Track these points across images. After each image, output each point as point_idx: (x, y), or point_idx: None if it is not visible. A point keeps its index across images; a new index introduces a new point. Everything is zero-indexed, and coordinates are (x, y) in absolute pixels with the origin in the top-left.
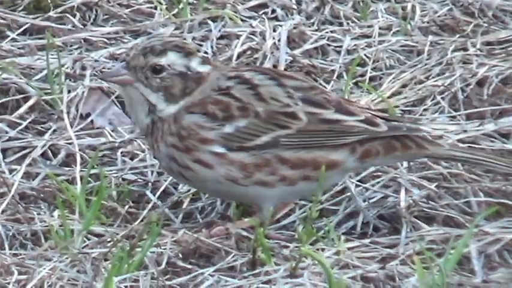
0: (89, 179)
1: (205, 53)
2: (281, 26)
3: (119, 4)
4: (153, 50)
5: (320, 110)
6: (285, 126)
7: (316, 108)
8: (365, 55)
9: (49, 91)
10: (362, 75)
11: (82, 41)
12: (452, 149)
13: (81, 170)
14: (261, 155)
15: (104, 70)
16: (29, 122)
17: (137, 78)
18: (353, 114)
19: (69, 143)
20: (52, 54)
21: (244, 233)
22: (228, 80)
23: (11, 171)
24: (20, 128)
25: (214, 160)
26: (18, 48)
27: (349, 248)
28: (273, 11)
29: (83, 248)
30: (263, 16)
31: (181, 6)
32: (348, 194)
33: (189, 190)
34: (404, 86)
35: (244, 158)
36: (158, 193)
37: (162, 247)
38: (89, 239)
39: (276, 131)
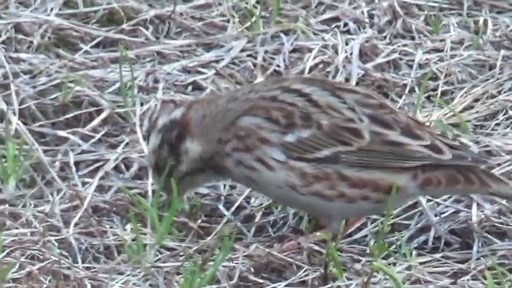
0: (161, 192)
1: (278, 66)
2: (353, 39)
3: (191, 17)
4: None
5: (385, 131)
6: (347, 142)
7: (383, 128)
8: (437, 69)
9: (122, 104)
10: (434, 90)
11: (155, 53)
12: None
13: (154, 184)
14: (322, 167)
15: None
16: (102, 135)
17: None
18: (419, 138)
19: (142, 156)
20: (125, 67)
21: (316, 248)
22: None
23: (84, 184)
24: (93, 141)
25: (275, 163)
26: (91, 60)
27: (420, 263)
28: (345, 25)
29: (155, 262)
30: (335, 29)
31: (253, 19)
32: (420, 208)
33: (261, 204)
34: (476, 100)
35: (304, 167)
36: (231, 207)
37: (234, 261)
38: (161, 253)
39: (337, 146)
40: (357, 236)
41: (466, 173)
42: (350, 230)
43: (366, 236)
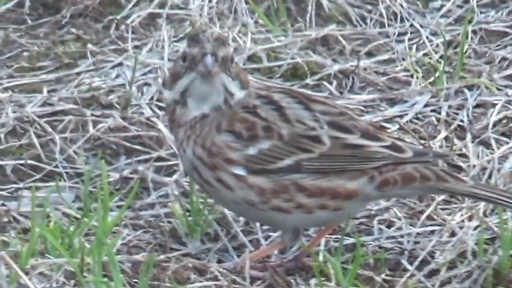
0: (343, 248)
1: (461, 121)
2: None
3: (375, 72)
4: (223, 40)
5: (345, 135)
6: (308, 149)
7: (342, 132)
8: None
9: None
10: None
11: None
12: (475, 186)
13: (335, 240)
14: (280, 180)
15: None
16: None
17: (222, 69)
18: (379, 140)
19: None
20: None
21: None
22: (257, 98)
23: (266, 238)
24: None
25: (234, 182)
26: None
27: None
28: None
29: None
30: None
31: (437, 74)
32: None
33: (445, 258)
34: None
35: (262, 183)
36: (414, 261)
37: None
38: None
39: (298, 154)
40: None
41: (422, 169)
42: (319, 241)
43: None
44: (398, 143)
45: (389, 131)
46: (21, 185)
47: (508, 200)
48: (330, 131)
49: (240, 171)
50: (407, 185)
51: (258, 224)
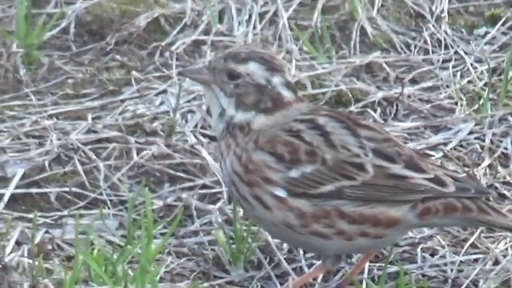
0: (387, 276)
1: (505, 148)
2: None
3: (419, 99)
4: (236, 56)
5: (389, 164)
6: (351, 177)
7: (386, 161)
8: None
9: None
10: None
11: None
12: None
13: (379, 268)
14: (321, 205)
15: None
16: None
17: (215, 80)
18: (422, 171)
19: None
20: None
21: None
22: (301, 123)
23: (309, 266)
24: None
25: (273, 203)
26: None
27: None
28: None
29: None
30: None
31: (481, 101)
32: None
33: (489, 287)
34: None
35: (303, 206)
36: None
37: None
38: None
39: (341, 180)
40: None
41: (464, 201)
42: (361, 269)
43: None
44: (441, 176)
45: (433, 158)
46: (65, 212)
47: None
48: (374, 159)
49: (280, 193)
50: (448, 214)
51: (301, 252)
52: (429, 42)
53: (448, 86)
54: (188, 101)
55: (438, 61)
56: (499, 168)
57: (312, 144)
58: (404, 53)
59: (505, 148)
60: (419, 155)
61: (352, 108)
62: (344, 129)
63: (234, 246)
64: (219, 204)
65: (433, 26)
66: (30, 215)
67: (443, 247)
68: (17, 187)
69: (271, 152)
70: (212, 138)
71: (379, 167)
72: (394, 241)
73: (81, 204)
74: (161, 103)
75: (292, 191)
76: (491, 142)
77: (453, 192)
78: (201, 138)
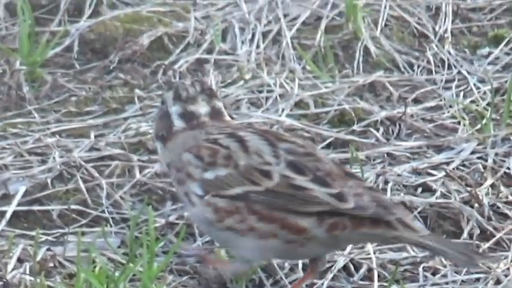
0: None
1: (508, 168)
2: None
3: (422, 119)
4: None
5: (295, 175)
6: (256, 182)
7: (294, 173)
8: None
9: None
10: None
11: (385, 155)
12: (426, 236)
13: (381, 286)
14: (233, 202)
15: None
16: None
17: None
18: (327, 186)
19: (369, 258)
20: (355, 168)
21: None
22: (219, 134)
23: (312, 285)
24: None
25: (196, 199)
26: None
27: None
28: None
29: None
30: None
31: (484, 121)
32: None
33: None
34: None
35: (218, 202)
36: None
37: None
38: None
39: (247, 185)
40: None
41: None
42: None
43: None
44: (346, 193)
45: (360, 177)
46: (67, 229)
47: (458, 255)
48: (284, 169)
49: (198, 191)
50: (356, 230)
51: (301, 270)
52: (432, 62)
53: (451, 106)
54: None
55: (441, 81)
56: (502, 187)
57: (229, 148)
58: (408, 72)
59: (508, 168)
60: (344, 173)
61: (355, 127)
62: (262, 140)
63: None
64: None
65: (437, 46)
66: (33, 233)
67: (444, 266)
68: (19, 204)
69: (196, 155)
70: None
71: (284, 177)
72: (317, 255)
73: (83, 221)
74: None
75: (207, 190)
76: (494, 162)
77: (351, 209)
78: None
